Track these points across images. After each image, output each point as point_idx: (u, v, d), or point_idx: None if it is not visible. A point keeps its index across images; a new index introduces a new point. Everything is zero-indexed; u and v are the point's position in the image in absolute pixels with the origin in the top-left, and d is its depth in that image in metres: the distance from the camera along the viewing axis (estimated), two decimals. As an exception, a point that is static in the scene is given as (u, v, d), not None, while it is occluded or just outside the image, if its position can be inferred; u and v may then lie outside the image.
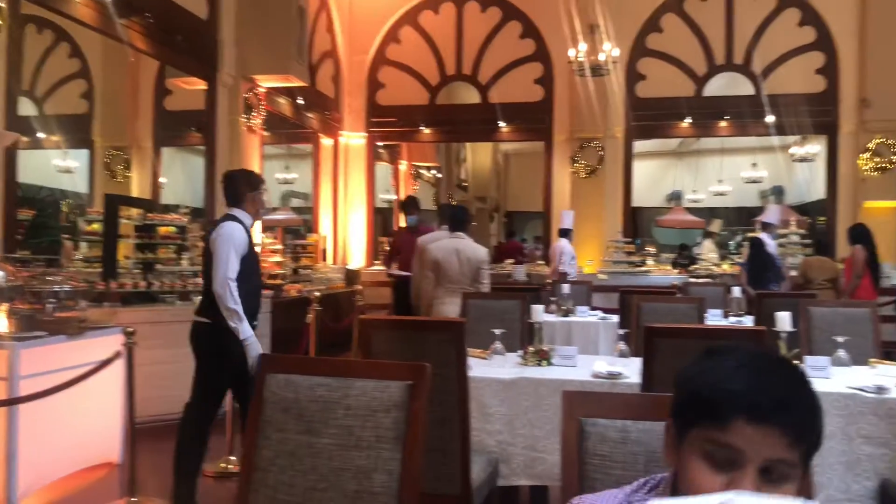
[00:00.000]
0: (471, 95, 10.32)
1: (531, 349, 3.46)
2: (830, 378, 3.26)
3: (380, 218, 12.07)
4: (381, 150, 11.25)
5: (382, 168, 11.76)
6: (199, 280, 5.90)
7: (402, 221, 7.52)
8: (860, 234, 7.02)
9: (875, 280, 6.89)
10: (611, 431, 1.30)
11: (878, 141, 8.70)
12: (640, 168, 13.09)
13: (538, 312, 3.56)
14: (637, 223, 15.11)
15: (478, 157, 15.81)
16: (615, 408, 1.31)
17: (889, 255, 8.65)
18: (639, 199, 13.85)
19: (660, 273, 9.29)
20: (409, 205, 7.09)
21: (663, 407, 1.34)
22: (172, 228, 6.13)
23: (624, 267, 9.04)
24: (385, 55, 10.38)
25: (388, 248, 7.79)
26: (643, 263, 9.73)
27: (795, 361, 0.96)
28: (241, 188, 3.60)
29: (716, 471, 0.92)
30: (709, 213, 14.85)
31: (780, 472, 0.91)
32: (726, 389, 0.92)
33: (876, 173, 8.75)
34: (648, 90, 9.64)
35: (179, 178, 9.24)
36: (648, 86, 9.65)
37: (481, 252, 5.06)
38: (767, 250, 7.32)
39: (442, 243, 5.22)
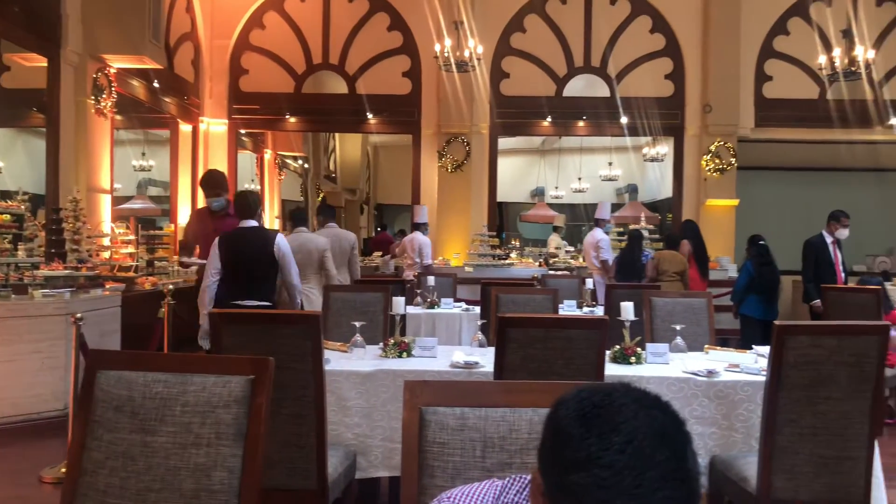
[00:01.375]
0: (338, 85, 10.19)
1: (391, 341, 3.48)
2: (669, 364, 3.50)
3: (244, 209, 11.67)
4: (244, 139, 10.90)
5: (246, 157, 11.39)
6: (40, 272, 5.48)
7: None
8: (688, 230, 7.66)
9: (703, 272, 7.48)
10: (450, 419, 1.33)
11: (718, 144, 9.42)
12: (505, 164, 13.45)
13: (399, 305, 3.58)
14: (503, 218, 15.56)
15: (347, 148, 15.66)
16: (454, 395, 1.34)
17: (727, 250, 9.41)
18: (504, 195, 14.25)
19: (522, 266, 9.60)
20: (211, 183, 5.22)
21: (501, 393, 1.38)
22: (7, 217, 5.65)
23: (488, 260, 9.28)
24: (248, 40, 10.05)
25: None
26: (507, 256, 10.01)
27: (685, 433, 0.93)
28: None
29: None
30: (570, 209, 15.51)
31: None
32: (606, 501, 0.85)
33: (716, 174, 9.47)
34: (512, 88, 9.92)
35: (20, 161, 8.52)
36: (512, 84, 9.92)
37: (321, 241, 5.58)
38: (642, 245, 7.80)
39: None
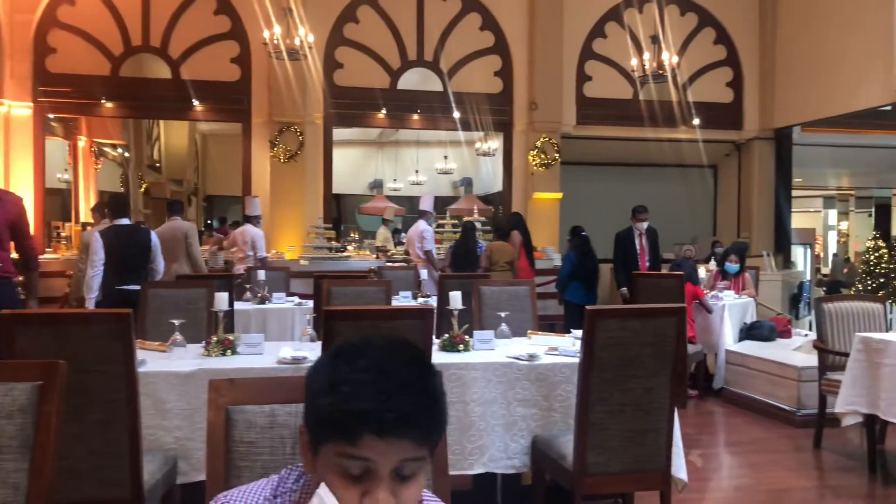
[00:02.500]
0: (161, 69, 9.60)
1: (214, 339, 3.34)
2: (494, 349, 3.64)
3: (57, 200, 10.74)
4: (53, 124, 9.98)
5: (56, 144, 10.45)
6: None
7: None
8: (515, 222, 8.04)
9: (530, 261, 7.88)
10: (258, 417, 1.29)
11: (543, 140, 9.90)
12: (342, 155, 13.33)
13: (222, 300, 3.44)
14: (340, 210, 15.43)
15: (172, 136, 14.79)
16: (263, 392, 1.31)
17: (552, 241, 9.92)
18: (342, 187, 14.13)
19: (360, 258, 9.57)
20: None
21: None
22: None
23: (324, 253, 9.15)
24: (56, 16, 9.20)
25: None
26: (344, 249, 9.93)
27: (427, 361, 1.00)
28: None
29: (351, 483, 0.94)
30: (407, 201, 15.67)
31: (412, 469, 0.96)
32: (352, 411, 0.92)
33: (542, 169, 9.95)
34: (346, 79, 9.84)
35: None
36: (346, 75, 9.84)
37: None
38: (475, 236, 7.99)
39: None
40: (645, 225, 7.36)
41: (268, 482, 1.07)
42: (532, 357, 3.41)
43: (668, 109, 10.31)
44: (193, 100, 9.47)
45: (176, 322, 3.33)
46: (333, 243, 9.50)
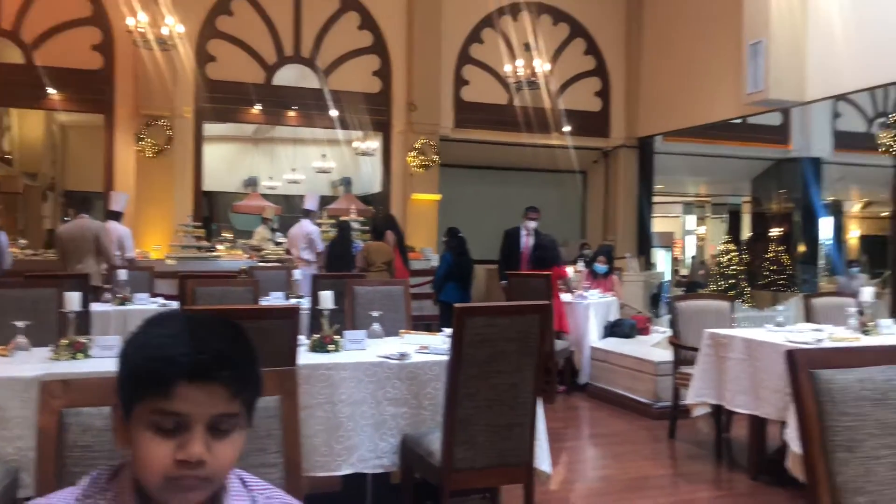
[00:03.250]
0: (12, 54, 8.91)
1: (63, 342, 3.13)
2: (366, 349, 3.62)
3: None
4: None
5: None
6: None
7: None
8: (388, 222, 8.06)
9: (405, 262, 7.93)
10: (96, 420, 1.22)
11: (422, 141, 9.98)
12: (215, 151, 12.88)
13: (73, 301, 3.23)
14: (212, 208, 14.88)
15: (26, 126, 13.73)
16: (101, 394, 1.24)
17: (430, 242, 10.02)
18: (214, 184, 13.63)
19: (231, 258, 9.27)
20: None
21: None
22: None
23: (193, 252, 8.80)
24: None
25: None
26: (214, 249, 9.59)
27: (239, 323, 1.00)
28: None
29: (165, 438, 0.94)
30: (284, 200, 15.32)
31: (227, 424, 0.97)
32: (164, 356, 0.94)
33: (421, 170, 10.02)
34: (220, 72, 9.51)
35: None
36: (219, 68, 9.51)
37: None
38: (351, 236, 7.91)
39: None
40: (533, 224, 7.49)
41: (76, 486, 1.04)
42: (403, 356, 3.42)
43: (541, 116, 10.66)
44: (49, 88, 8.84)
45: (19, 324, 3.09)
46: (203, 242, 9.15)
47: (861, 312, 4.63)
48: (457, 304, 3.01)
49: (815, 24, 8.03)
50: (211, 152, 11.00)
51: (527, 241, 7.56)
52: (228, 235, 11.41)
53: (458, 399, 3.00)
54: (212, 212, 14.40)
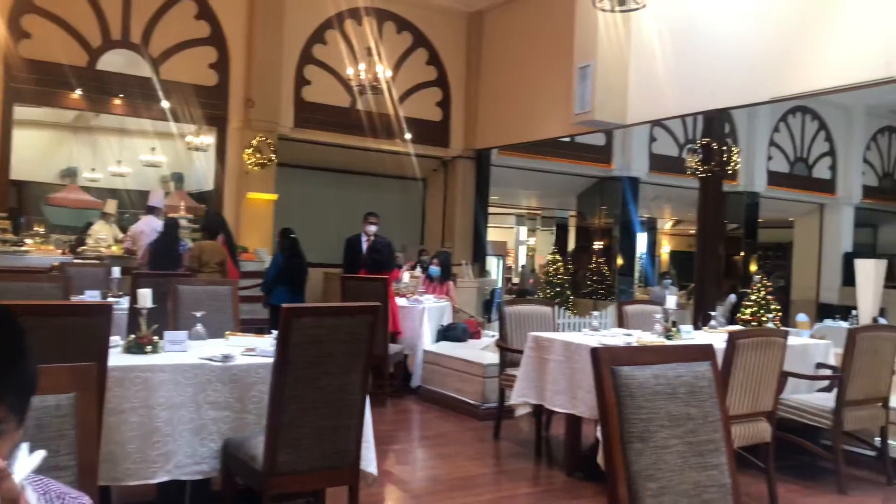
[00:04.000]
0: None
1: None
2: (187, 351, 3.45)
3: None
4: None
5: None
6: None
7: None
8: (216, 222, 7.76)
9: (235, 262, 7.68)
10: None
11: (259, 139, 9.67)
12: (27, 138, 11.75)
13: None
14: (22, 199, 13.54)
15: None
16: None
17: (265, 242, 9.73)
18: (25, 173, 12.43)
19: (41, 253, 8.47)
20: None
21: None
22: None
23: (-3, 246, 7.96)
24: None
25: None
26: (22, 243, 8.72)
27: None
28: None
29: None
30: (108, 194, 14.25)
31: None
32: None
33: (257, 168, 9.71)
34: (34, 51, 8.68)
35: None
36: (35, 46, 8.69)
37: None
38: (178, 234, 7.46)
39: None
40: (373, 229, 7.57)
41: None
42: (227, 358, 3.30)
43: (384, 122, 10.72)
44: None
45: None
46: (9, 236, 8.31)
47: (666, 319, 5.04)
48: (284, 305, 2.94)
49: (637, 52, 8.69)
50: (23, 138, 10.02)
51: (367, 246, 7.59)
52: (40, 229, 10.43)
53: (282, 401, 2.93)
54: (21, 203, 13.10)
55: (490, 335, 7.68)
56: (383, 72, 9.11)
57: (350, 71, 9.45)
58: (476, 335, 7.43)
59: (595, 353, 1.82)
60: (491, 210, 13.91)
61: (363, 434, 3.21)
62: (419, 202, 12.45)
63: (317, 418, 3.02)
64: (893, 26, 6.28)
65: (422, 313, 6.88)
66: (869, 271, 7.60)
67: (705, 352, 2.05)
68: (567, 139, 12.41)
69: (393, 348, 6.40)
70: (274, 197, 9.92)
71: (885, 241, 17.76)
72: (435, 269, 7.79)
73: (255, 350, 3.49)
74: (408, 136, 10.93)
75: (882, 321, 7.32)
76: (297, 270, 7.26)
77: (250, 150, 9.66)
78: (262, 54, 9.75)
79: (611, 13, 6.47)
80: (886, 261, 8.46)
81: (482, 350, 6.73)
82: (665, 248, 21.86)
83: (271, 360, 3.32)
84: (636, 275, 16.84)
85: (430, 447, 5.47)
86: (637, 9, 5.77)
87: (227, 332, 4.01)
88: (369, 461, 3.35)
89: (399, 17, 11.02)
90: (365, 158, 11.13)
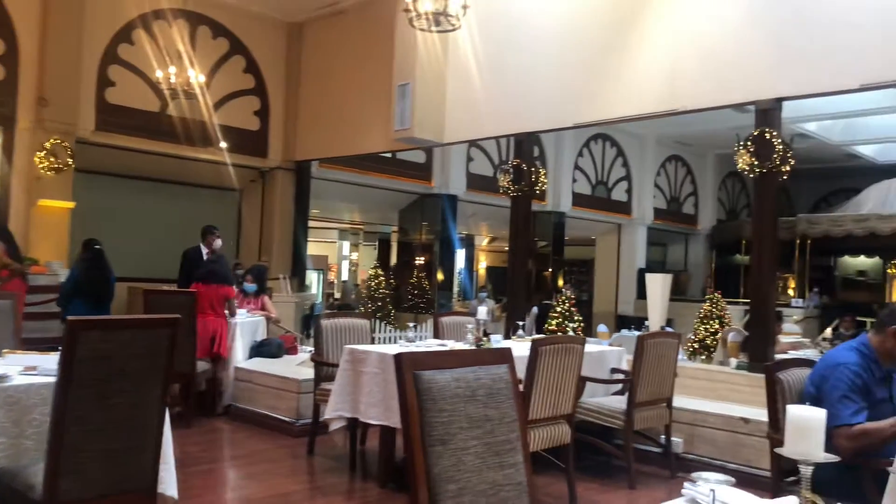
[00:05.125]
0: None
1: None
2: (-49, 372, 3.05)
3: None
4: None
5: None
6: None
7: None
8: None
9: (20, 274, 6.99)
10: None
11: (54, 142, 8.81)
12: None
13: None
14: None
15: None
16: None
17: (59, 254, 8.88)
18: None
19: None
20: None
21: None
22: None
23: None
24: None
25: None
26: None
27: None
28: None
29: None
30: None
31: None
32: None
33: (51, 173, 8.83)
34: None
35: None
36: None
37: None
38: None
39: None
40: (219, 244, 7.45)
41: None
42: (3, 378, 2.95)
43: (198, 129, 10.22)
44: None
45: None
46: None
47: (477, 328, 5.22)
48: (69, 317, 2.68)
49: (454, 73, 8.98)
50: None
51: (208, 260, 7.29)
52: None
53: (65, 423, 2.67)
54: None
55: (308, 350, 7.53)
56: (196, 76, 8.68)
57: (160, 74, 8.90)
58: (293, 350, 7.25)
59: (398, 358, 1.83)
60: (312, 224, 13.72)
61: (161, 455, 3.00)
62: (235, 214, 11.99)
63: (106, 440, 2.78)
64: (677, 62, 7.00)
65: (234, 329, 6.60)
66: (657, 285, 8.38)
67: (503, 355, 2.13)
68: (388, 155, 12.55)
69: (201, 366, 6.07)
70: (70, 205, 9.07)
71: (673, 258, 19.71)
72: (250, 286, 7.53)
73: (36, 369, 3.16)
74: (223, 144, 10.50)
75: (669, 330, 8.06)
76: (97, 283, 6.70)
77: (43, 154, 8.78)
78: (58, 49, 8.92)
79: (429, 33, 6.63)
80: (672, 275, 9.37)
81: (298, 366, 6.58)
82: (482, 264, 22.75)
83: (54, 378, 3.03)
84: (455, 289, 17.36)
85: (240, 467, 5.24)
86: (452, 30, 5.96)
87: (5, 350, 3.60)
88: (169, 484, 3.13)
89: (215, 21, 10.59)
90: (178, 167, 10.55)
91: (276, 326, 7.75)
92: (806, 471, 1.31)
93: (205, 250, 7.45)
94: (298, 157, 11.35)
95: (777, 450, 1.56)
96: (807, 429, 1.31)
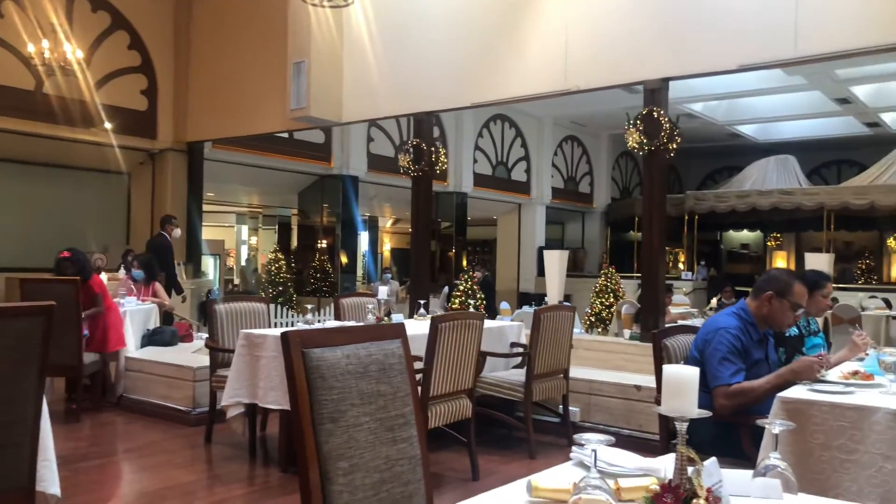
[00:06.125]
0: None
1: None
2: None
3: None
4: None
5: None
6: None
7: None
8: None
9: None
10: None
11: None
12: None
13: None
14: None
15: None
16: None
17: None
18: None
19: None
20: None
21: None
22: None
23: None
24: None
25: None
26: None
27: None
28: None
29: None
30: None
31: None
32: None
33: None
34: None
35: None
36: None
37: None
38: None
39: None
40: (177, 232, 7.90)
41: None
42: None
43: (78, 108, 9.62)
44: None
45: None
46: None
47: (378, 308, 5.20)
48: (-74, 307, 2.47)
49: (350, 51, 8.83)
50: None
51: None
52: None
53: (-74, 422, 2.46)
54: None
55: (204, 337, 7.29)
56: (73, 52, 8.16)
57: (32, 48, 8.31)
58: (188, 338, 7.02)
59: (284, 336, 1.78)
60: (207, 208, 13.25)
61: (40, 451, 2.82)
62: (124, 198, 11.40)
63: (-25, 439, 2.58)
64: (571, 44, 7.14)
65: (124, 317, 6.30)
66: (555, 261, 8.58)
67: (396, 330, 2.12)
68: (285, 135, 12.25)
69: (88, 357, 5.76)
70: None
71: (570, 236, 20.30)
72: (138, 273, 7.19)
73: None
74: (108, 125, 9.95)
75: (567, 305, 8.29)
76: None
77: None
78: None
79: (322, 10, 6.48)
80: (569, 252, 9.63)
81: (194, 353, 6.38)
82: (387, 246, 22.70)
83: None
84: (360, 272, 17.24)
85: (134, 459, 5.02)
86: (345, 5, 5.86)
87: None
88: (50, 482, 2.94)
89: (95, -7, 9.98)
90: (58, 149, 9.90)
91: (174, 314, 7.48)
92: (682, 426, 1.36)
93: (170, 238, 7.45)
94: (190, 138, 10.90)
95: (655, 409, 1.61)
96: (681, 387, 1.36)
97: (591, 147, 19.67)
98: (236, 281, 19.20)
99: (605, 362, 6.31)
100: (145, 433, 5.51)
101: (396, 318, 5.28)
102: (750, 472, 1.71)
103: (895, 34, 5.46)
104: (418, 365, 4.08)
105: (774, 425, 1.79)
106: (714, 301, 10.01)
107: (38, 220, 10.07)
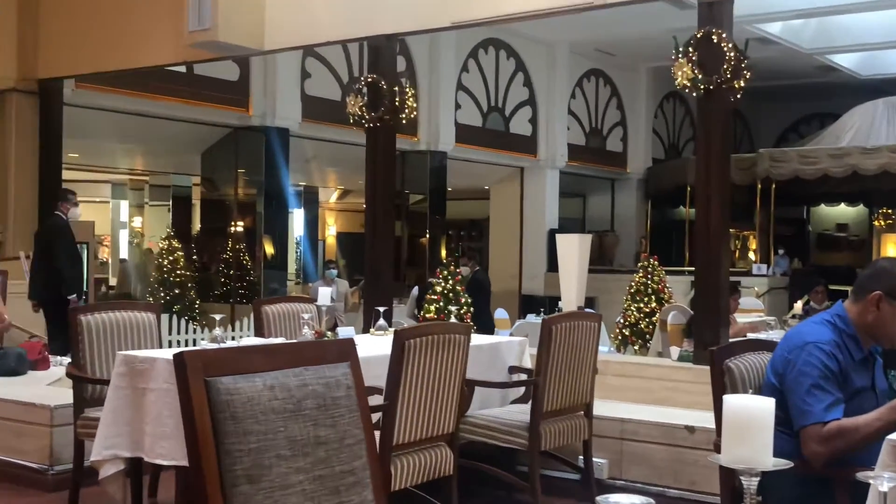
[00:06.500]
0: None
1: None
2: None
3: None
4: None
5: None
6: None
7: None
8: None
9: None
10: None
11: None
12: None
13: None
14: None
15: None
16: None
17: None
18: None
19: None
20: None
21: None
22: None
23: None
24: None
25: None
26: None
27: None
28: None
29: None
30: None
31: None
32: None
33: None
34: None
35: None
36: None
37: None
38: None
39: None
40: (77, 212, 9.17)
41: None
42: None
43: None
44: None
45: None
46: None
47: (321, 319, 5.21)
48: None
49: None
50: None
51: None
52: None
53: None
54: None
55: (65, 362, 7.27)
56: None
57: None
58: (42, 364, 7.00)
59: (179, 359, 1.77)
60: (70, 175, 13.15)
61: None
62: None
63: None
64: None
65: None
66: (573, 250, 8.63)
67: (343, 350, 2.12)
68: (182, 70, 12.16)
69: None
70: None
71: (595, 213, 20.37)
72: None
73: None
74: None
75: (589, 312, 8.33)
76: None
77: None
78: None
79: None
80: (592, 235, 9.70)
81: (51, 385, 6.37)
82: (331, 230, 22.67)
83: None
84: (292, 267, 17.19)
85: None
86: None
87: None
88: None
89: None
90: None
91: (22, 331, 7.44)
92: (751, 484, 1.37)
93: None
94: (42, 75, 10.80)
95: (712, 458, 1.62)
96: (750, 426, 1.37)
97: (624, 86, 19.74)
98: (112, 280, 19.09)
99: (645, 393, 6.36)
100: (-20, 502, 5.50)
101: (345, 332, 5.29)
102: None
103: None
104: (376, 400, 4.08)
105: (882, 480, 1.81)
106: (799, 305, 10.13)
107: None
